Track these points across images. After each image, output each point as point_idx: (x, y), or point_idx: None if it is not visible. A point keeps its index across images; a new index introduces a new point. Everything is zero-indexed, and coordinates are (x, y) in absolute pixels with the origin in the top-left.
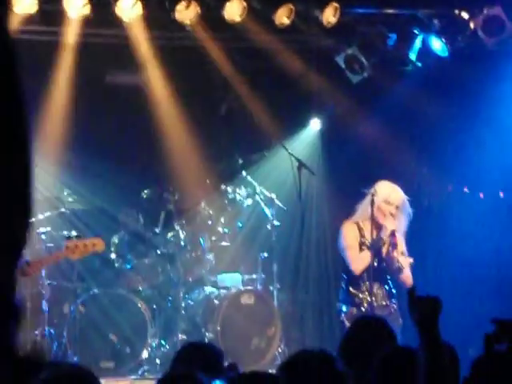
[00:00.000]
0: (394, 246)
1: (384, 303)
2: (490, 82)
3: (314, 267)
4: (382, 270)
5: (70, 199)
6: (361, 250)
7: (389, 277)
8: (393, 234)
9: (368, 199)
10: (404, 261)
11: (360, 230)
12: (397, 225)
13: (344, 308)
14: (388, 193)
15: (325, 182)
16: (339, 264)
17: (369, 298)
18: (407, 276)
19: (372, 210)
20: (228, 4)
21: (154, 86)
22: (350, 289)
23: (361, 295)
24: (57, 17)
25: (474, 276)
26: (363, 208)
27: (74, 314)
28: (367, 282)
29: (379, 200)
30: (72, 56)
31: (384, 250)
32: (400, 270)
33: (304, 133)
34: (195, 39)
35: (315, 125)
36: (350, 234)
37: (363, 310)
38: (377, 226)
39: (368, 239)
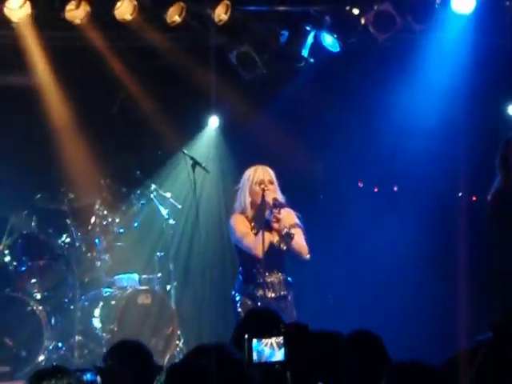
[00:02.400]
0: (279, 208)
1: (282, 293)
2: (382, 77)
3: (211, 264)
4: (278, 253)
5: None
6: (255, 235)
7: (285, 263)
8: (275, 203)
9: (238, 193)
10: (296, 230)
11: (248, 219)
12: (277, 195)
13: (237, 297)
14: (254, 174)
15: (221, 179)
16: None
17: (265, 291)
18: (301, 245)
19: (245, 199)
20: (118, 3)
21: (46, 86)
22: (247, 280)
23: (256, 288)
24: None
25: (365, 268)
26: (239, 201)
27: None
28: (264, 272)
29: (250, 184)
30: None
31: (273, 225)
32: (290, 236)
33: (202, 131)
34: (86, 39)
35: (213, 122)
36: (240, 225)
37: (259, 303)
38: (260, 208)
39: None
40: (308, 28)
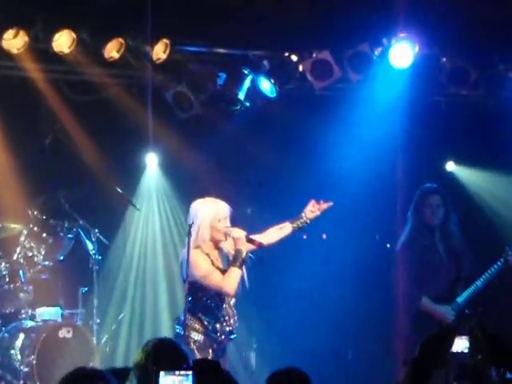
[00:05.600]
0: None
1: (236, 326)
2: (317, 125)
3: (137, 301)
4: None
5: None
6: (221, 271)
7: None
8: (249, 239)
9: (194, 227)
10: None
11: (207, 254)
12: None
13: (182, 332)
14: (216, 209)
15: (155, 216)
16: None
17: (226, 326)
18: None
19: (189, 240)
20: (57, 35)
21: None
22: (203, 317)
23: (217, 324)
24: None
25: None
26: (197, 236)
27: None
28: (225, 306)
29: (210, 221)
30: None
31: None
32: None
33: (137, 168)
34: (23, 69)
35: (150, 159)
36: (201, 261)
37: (223, 337)
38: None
39: (218, 260)
40: (246, 72)
